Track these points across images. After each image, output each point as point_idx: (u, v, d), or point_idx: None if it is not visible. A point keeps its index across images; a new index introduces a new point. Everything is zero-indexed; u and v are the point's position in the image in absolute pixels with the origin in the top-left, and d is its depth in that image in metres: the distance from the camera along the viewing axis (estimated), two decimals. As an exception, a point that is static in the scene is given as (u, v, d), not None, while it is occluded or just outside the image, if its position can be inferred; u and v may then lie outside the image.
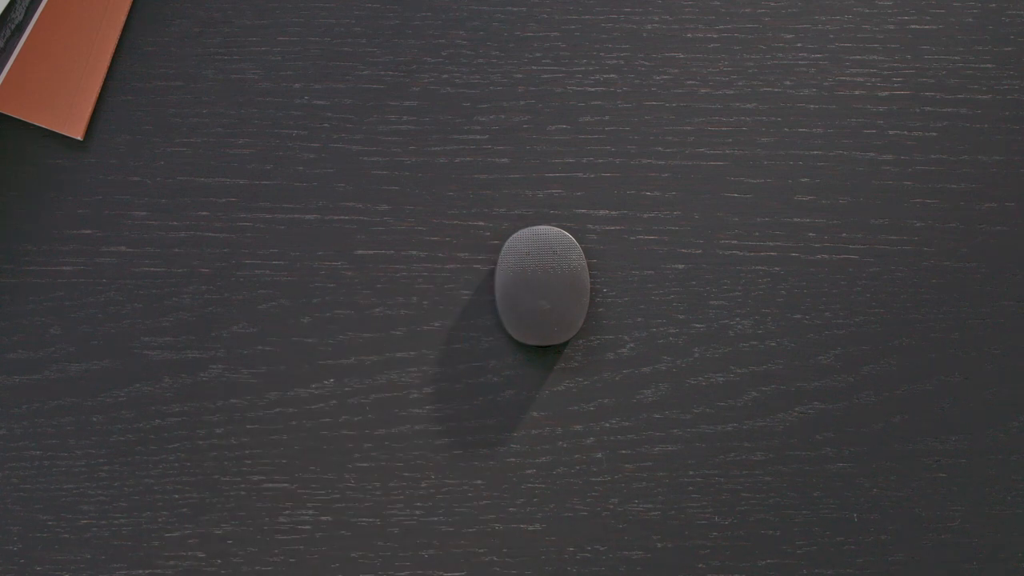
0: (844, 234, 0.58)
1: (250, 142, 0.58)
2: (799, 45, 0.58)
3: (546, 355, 0.57)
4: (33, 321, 0.57)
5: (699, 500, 0.58)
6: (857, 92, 0.58)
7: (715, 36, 0.58)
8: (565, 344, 0.57)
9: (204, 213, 0.58)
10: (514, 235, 0.56)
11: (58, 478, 0.57)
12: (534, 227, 0.56)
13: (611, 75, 0.58)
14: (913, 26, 0.58)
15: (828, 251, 0.58)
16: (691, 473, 0.58)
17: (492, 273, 0.57)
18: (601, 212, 0.58)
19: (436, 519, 0.57)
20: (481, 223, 0.58)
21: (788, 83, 0.58)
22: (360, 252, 0.58)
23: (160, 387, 0.58)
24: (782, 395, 0.58)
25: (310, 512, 0.57)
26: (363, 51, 0.58)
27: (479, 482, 0.58)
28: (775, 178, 0.58)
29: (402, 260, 0.57)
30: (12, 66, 0.57)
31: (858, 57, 0.58)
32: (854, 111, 0.58)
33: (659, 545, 0.58)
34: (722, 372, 0.58)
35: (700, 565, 0.58)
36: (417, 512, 0.58)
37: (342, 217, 0.58)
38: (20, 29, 0.57)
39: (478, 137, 0.58)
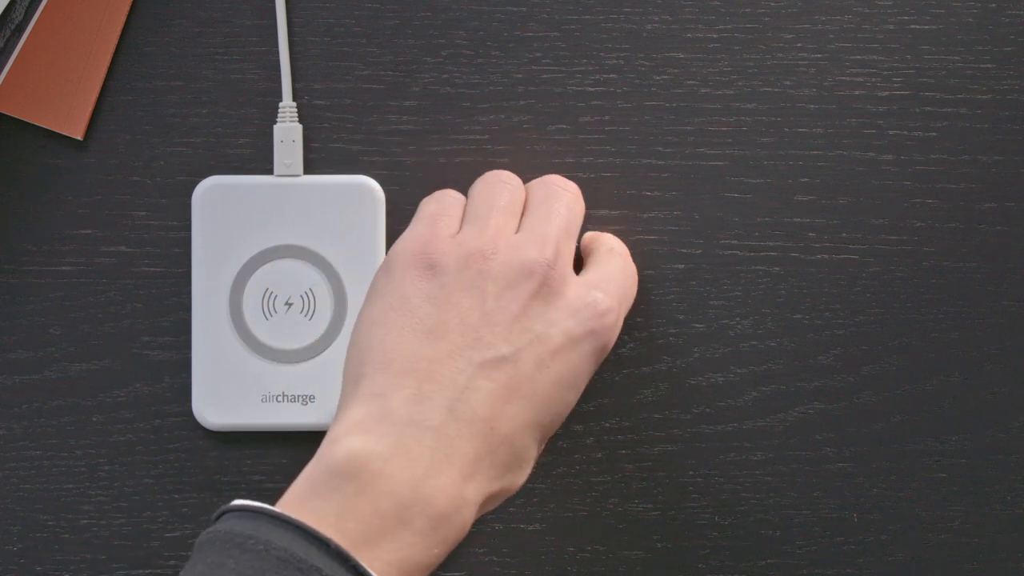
0: (844, 234, 0.58)
1: (250, 142, 0.58)
2: (799, 45, 0.58)
3: (546, 355, 0.57)
4: (33, 321, 0.57)
5: (699, 500, 0.58)
6: (857, 92, 0.58)
7: (715, 36, 0.58)
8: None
9: (204, 213, 0.58)
10: None
11: (58, 478, 0.57)
12: None
13: (611, 75, 0.58)
14: (913, 26, 0.58)
15: (828, 251, 0.58)
16: (691, 473, 0.58)
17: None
18: (601, 212, 0.58)
19: (436, 519, 0.57)
20: (481, 223, 0.57)
21: (788, 83, 0.58)
22: (360, 252, 0.57)
23: (160, 387, 0.58)
24: (782, 395, 0.58)
25: (310, 512, 0.57)
26: (363, 51, 0.58)
27: (479, 482, 0.57)
28: (775, 178, 0.58)
29: (402, 260, 0.57)
30: (12, 66, 0.57)
31: (858, 57, 0.58)
32: (854, 111, 0.58)
33: (659, 545, 0.58)
34: (722, 372, 0.58)
35: (700, 565, 0.58)
36: (417, 512, 0.57)
37: (342, 217, 0.58)
38: (20, 29, 0.57)
39: (478, 137, 0.58)
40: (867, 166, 0.58)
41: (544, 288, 0.46)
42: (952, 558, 0.58)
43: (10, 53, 0.57)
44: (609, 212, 0.58)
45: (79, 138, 0.57)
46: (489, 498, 0.45)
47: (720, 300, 0.58)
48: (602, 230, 0.57)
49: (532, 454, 0.46)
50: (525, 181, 0.58)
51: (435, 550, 0.42)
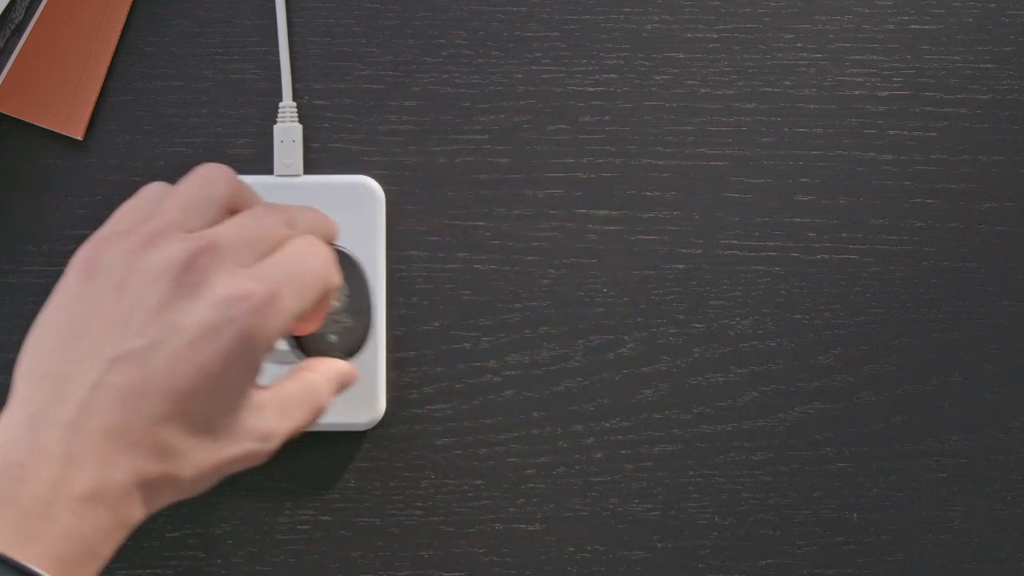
0: (844, 234, 0.58)
1: (250, 142, 0.58)
2: (799, 45, 0.58)
3: (546, 355, 0.57)
4: (33, 321, 0.57)
5: (699, 500, 0.58)
6: (857, 92, 0.58)
7: (715, 36, 0.58)
8: (565, 344, 0.57)
9: (204, 213, 0.58)
10: None
11: (58, 478, 0.57)
12: None
13: (611, 75, 0.58)
14: (913, 26, 0.58)
15: (828, 251, 0.58)
16: (691, 473, 0.58)
17: (492, 273, 0.57)
18: (601, 212, 0.58)
19: (436, 519, 0.57)
20: (481, 223, 0.58)
21: (788, 83, 0.58)
22: (360, 252, 0.57)
23: (160, 387, 0.58)
24: (782, 395, 0.58)
25: (310, 512, 0.57)
26: (363, 51, 0.58)
27: (479, 482, 0.58)
28: (775, 178, 0.58)
29: (402, 260, 0.57)
30: (12, 66, 0.57)
31: (858, 57, 0.58)
32: (854, 111, 0.58)
33: (659, 545, 0.58)
34: (722, 372, 0.58)
35: (700, 565, 0.58)
36: (417, 512, 0.58)
37: (342, 217, 0.58)
38: (20, 29, 0.57)
39: (478, 137, 0.58)
40: (867, 166, 0.58)
41: (187, 279, 0.45)
42: (952, 558, 0.58)
43: (10, 53, 0.57)
44: (609, 212, 0.58)
45: (79, 138, 0.57)
46: (150, 485, 0.45)
47: (720, 300, 0.58)
48: (602, 230, 0.58)
49: (186, 444, 0.45)
50: (524, 178, 0.58)
51: (95, 537, 0.43)
